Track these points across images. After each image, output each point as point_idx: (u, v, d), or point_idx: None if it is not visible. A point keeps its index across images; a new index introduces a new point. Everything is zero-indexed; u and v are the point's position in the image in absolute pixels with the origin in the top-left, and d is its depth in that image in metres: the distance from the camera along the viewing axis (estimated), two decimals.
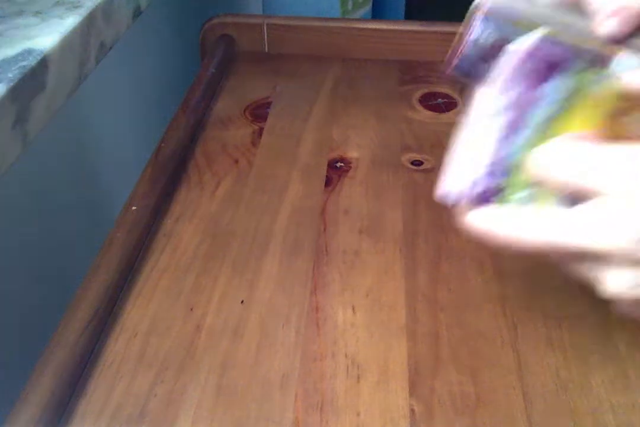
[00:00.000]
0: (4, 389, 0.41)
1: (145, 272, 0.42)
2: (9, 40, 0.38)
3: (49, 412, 0.33)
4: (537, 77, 0.35)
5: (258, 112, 0.58)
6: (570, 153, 0.30)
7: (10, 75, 0.34)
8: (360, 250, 0.44)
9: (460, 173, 0.35)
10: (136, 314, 0.39)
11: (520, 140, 0.35)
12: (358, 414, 0.34)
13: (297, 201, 0.48)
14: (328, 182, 0.50)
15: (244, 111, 0.58)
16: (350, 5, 0.82)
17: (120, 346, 0.38)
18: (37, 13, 0.41)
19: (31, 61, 0.36)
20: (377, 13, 0.89)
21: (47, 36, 0.38)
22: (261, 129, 0.56)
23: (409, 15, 0.94)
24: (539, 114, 0.35)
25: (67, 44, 0.39)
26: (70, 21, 0.40)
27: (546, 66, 0.35)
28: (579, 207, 0.29)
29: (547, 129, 0.34)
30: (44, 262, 0.56)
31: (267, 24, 0.67)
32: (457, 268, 0.42)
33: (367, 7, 0.86)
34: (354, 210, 0.47)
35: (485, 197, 0.34)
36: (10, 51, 0.36)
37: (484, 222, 0.32)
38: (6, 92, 0.33)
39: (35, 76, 0.36)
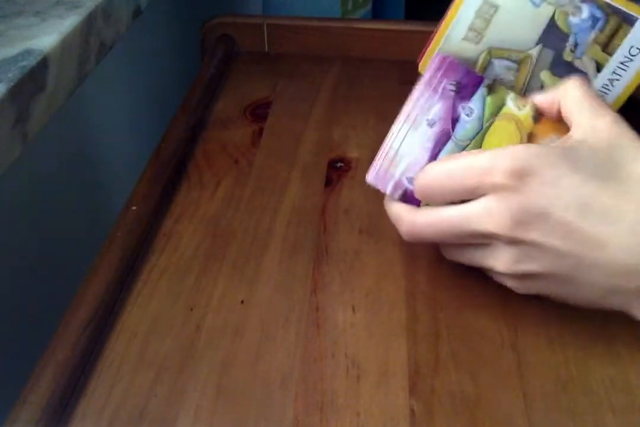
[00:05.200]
0: (4, 389, 0.41)
1: (145, 272, 0.42)
2: (9, 40, 0.38)
3: (49, 412, 0.33)
4: (454, 94, 0.39)
5: (258, 112, 0.58)
6: (440, 167, 0.37)
7: (10, 75, 0.34)
8: (360, 250, 0.44)
9: (383, 172, 0.40)
10: (136, 314, 0.39)
11: (444, 153, 0.39)
12: (358, 414, 0.34)
13: (297, 201, 0.48)
14: (328, 182, 0.50)
15: (244, 111, 0.58)
16: (350, 5, 0.82)
17: (120, 346, 0.38)
18: (37, 13, 0.41)
19: (31, 61, 0.36)
20: (377, 13, 0.89)
21: (47, 36, 0.38)
22: (261, 129, 0.56)
23: (409, 15, 0.94)
24: (462, 130, 0.39)
25: (67, 44, 0.39)
26: (70, 21, 0.40)
27: (458, 85, 0.39)
28: (464, 206, 0.35)
29: (468, 146, 0.39)
30: (44, 262, 0.56)
31: (267, 24, 0.67)
32: (457, 268, 0.42)
33: (367, 7, 0.85)
34: (354, 211, 0.47)
35: (409, 197, 0.40)
36: (10, 51, 0.36)
37: (395, 212, 0.39)
38: (6, 92, 0.33)
39: (35, 76, 0.36)
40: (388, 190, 0.40)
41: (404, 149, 0.39)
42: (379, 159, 0.40)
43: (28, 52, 0.36)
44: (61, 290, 0.45)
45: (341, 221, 0.46)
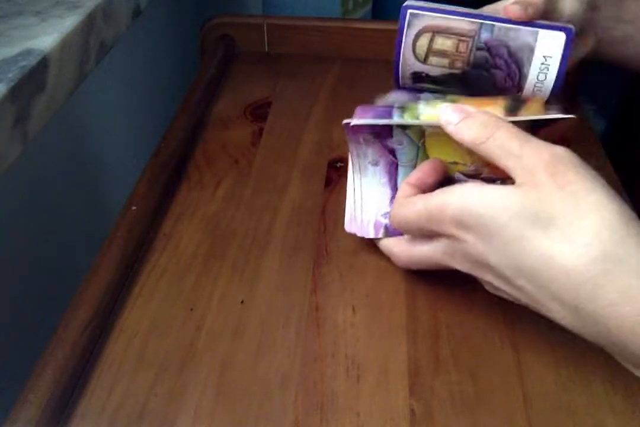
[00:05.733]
0: (4, 389, 0.41)
1: (145, 272, 0.42)
2: (9, 40, 0.38)
3: (49, 412, 0.33)
4: (376, 139, 0.41)
5: (258, 112, 0.58)
6: (400, 215, 0.38)
7: (10, 75, 0.34)
8: (360, 250, 0.44)
9: (357, 220, 0.43)
10: (136, 314, 0.39)
11: (400, 179, 0.42)
12: (358, 414, 0.34)
13: (297, 201, 0.48)
14: (328, 182, 0.50)
15: (244, 111, 0.58)
16: (350, 5, 0.82)
17: (120, 346, 0.38)
18: (37, 13, 0.41)
19: (31, 61, 0.36)
20: (377, 13, 0.89)
21: (47, 36, 0.38)
22: (261, 129, 0.56)
23: None
24: (403, 155, 0.42)
25: (67, 44, 0.39)
26: (70, 21, 0.40)
27: (374, 135, 0.41)
28: (431, 245, 0.38)
29: (418, 163, 0.41)
30: (44, 262, 0.56)
31: (267, 24, 0.67)
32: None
33: (367, 7, 0.85)
34: None
35: (392, 231, 0.42)
36: (10, 51, 0.36)
37: (386, 249, 0.41)
38: (6, 92, 0.33)
39: (35, 76, 0.36)
40: (371, 234, 0.43)
41: (366, 194, 0.43)
42: (348, 209, 0.43)
43: (28, 52, 0.36)
44: (61, 290, 0.45)
45: (341, 221, 0.46)
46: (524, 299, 0.35)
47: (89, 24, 0.42)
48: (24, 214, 0.52)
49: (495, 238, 0.33)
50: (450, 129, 0.37)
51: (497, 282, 0.35)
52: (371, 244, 0.44)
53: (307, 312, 0.39)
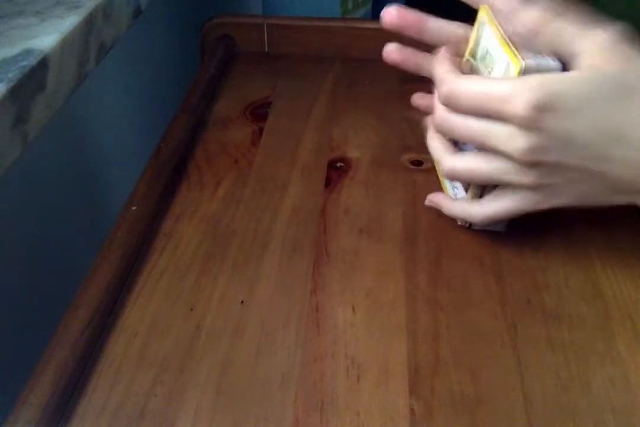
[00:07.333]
0: (4, 389, 0.41)
1: (145, 272, 0.42)
2: (9, 40, 0.38)
3: (49, 412, 0.33)
4: None
5: (258, 112, 0.58)
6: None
7: (10, 75, 0.34)
8: (360, 250, 0.44)
9: None
10: (136, 314, 0.39)
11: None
12: (358, 414, 0.34)
13: (297, 201, 0.48)
14: (328, 182, 0.50)
15: (244, 111, 0.58)
16: (350, 5, 0.82)
17: (120, 346, 0.38)
18: (37, 13, 0.41)
19: (31, 61, 0.36)
20: (377, 13, 0.89)
21: (47, 36, 0.38)
22: (261, 129, 0.56)
23: None
24: None
25: (67, 44, 0.39)
26: (70, 21, 0.40)
27: None
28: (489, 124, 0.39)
29: None
30: (44, 262, 0.56)
31: (267, 24, 0.67)
32: (457, 268, 0.42)
33: (367, 7, 0.85)
34: (354, 211, 0.47)
35: None
36: (10, 51, 0.36)
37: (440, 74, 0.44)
38: (6, 92, 0.33)
39: (35, 76, 0.36)
40: None
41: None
42: None
43: (28, 52, 0.36)
44: (61, 290, 0.45)
45: (341, 221, 0.46)
46: (580, 168, 0.37)
47: (89, 24, 0.42)
48: (24, 214, 0.52)
49: (583, 109, 0.36)
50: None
51: (563, 157, 0.37)
52: (371, 244, 0.44)
53: (307, 312, 0.39)
